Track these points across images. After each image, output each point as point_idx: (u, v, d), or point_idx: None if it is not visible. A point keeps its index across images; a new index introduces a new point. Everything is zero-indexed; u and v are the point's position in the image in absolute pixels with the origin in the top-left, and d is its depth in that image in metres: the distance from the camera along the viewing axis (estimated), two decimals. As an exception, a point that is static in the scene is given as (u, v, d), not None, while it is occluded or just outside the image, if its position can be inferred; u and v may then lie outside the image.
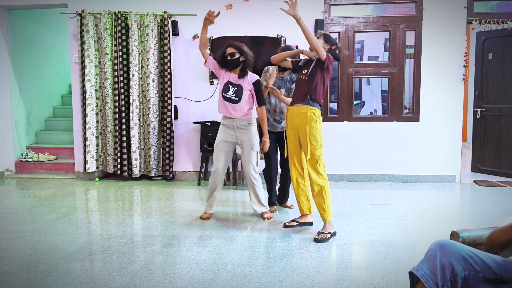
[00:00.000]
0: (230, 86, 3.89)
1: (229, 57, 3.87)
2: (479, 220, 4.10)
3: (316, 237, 3.53)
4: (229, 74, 3.94)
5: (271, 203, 4.39)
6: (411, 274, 1.61)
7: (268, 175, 4.36)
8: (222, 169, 3.99)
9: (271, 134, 4.22)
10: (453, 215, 4.45)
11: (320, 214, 3.62)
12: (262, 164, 5.36)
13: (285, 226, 3.86)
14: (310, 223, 3.88)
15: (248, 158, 3.98)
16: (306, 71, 3.64)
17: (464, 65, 5.44)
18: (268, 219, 4.06)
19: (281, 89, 4.16)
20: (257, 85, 3.93)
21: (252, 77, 3.94)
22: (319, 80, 3.59)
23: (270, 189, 4.39)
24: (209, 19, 3.74)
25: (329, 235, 3.54)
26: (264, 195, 4.12)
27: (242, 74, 3.91)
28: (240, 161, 4.68)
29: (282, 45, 5.04)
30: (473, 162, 6.19)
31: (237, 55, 3.86)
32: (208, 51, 3.94)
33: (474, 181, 5.61)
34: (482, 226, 3.74)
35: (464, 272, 1.55)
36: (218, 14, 3.75)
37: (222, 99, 3.92)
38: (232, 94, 3.88)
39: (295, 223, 3.87)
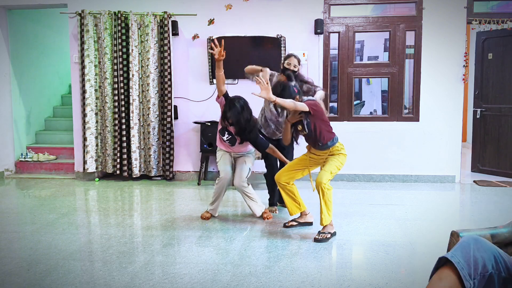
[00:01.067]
0: (226, 133, 3.94)
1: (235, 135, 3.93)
2: (479, 220, 4.10)
3: (316, 237, 3.53)
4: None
5: (271, 203, 4.40)
6: (442, 259, 1.61)
7: (269, 177, 4.34)
8: (230, 178, 4.03)
9: (271, 141, 4.20)
10: (453, 215, 4.45)
11: (320, 218, 3.60)
12: (260, 166, 5.37)
13: (285, 226, 3.87)
14: (310, 223, 3.88)
15: (240, 171, 4.02)
16: (300, 127, 3.61)
17: (464, 65, 5.44)
18: (267, 218, 4.07)
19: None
20: (253, 146, 4.03)
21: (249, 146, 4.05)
22: (317, 127, 3.53)
23: (271, 190, 4.39)
24: (219, 59, 3.74)
25: (329, 235, 3.54)
26: (257, 196, 4.13)
27: (242, 141, 3.96)
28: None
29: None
30: (473, 162, 6.19)
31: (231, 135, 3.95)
32: (225, 88, 3.90)
33: (474, 181, 5.61)
34: (482, 226, 3.74)
35: (491, 271, 1.56)
36: (222, 47, 3.74)
37: (219, 135, 3.99)
38: (226, 140, 3.96)
39: (294, 223, 3.87)
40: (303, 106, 3.43)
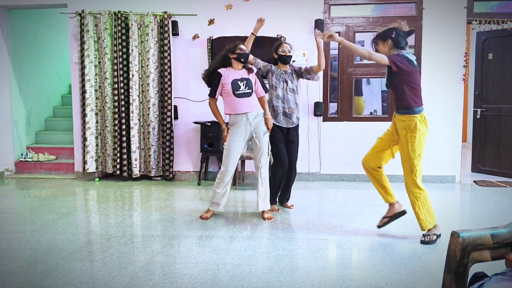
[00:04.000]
0: (239, 82, 3.94)
1: (246, 51, 4.00)
2: (479, 220, 4.10)
3: (422, 239, 3.46)
4: (230, 73, 3.98)
5: (276, 201, 4.36)
6: None
7: (280, 172, 4.23)
8: (232, 170, 4.01)
9: (280, 130, 4.20)
10: (453, 215, 4.44)
11: (419, 223, 3.50)
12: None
13: (379, 226, 3.70)
14: (403, 213, 3.64)
15: (261, 146, 4.00)
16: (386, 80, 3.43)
17: (464, 65, 5.44)
18: (268, 219, 4.05)
19: (284, 83, 4.19)
20: (258, 75, 4.10)
21: (253, 69, 4.09)
22: (401, 86, 3.34)
23: (278, 187, 4.31)
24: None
25: (434, 237, 3.46)
26: (267, 192, 4.11)
27: (249, 69, 4.03)
28: (240, 161, 4.68)
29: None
30: (473, 162, 6.19)
31: (246, 51, 4.00)
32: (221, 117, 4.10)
33: (474, 181, 5.61)
34: (482, 226, 3.73)
35: None
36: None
37: (235, 98, 3.92)
38: (245, 88, 3.94)
39: (386, 219, 3.68)
40: (382, 58, 3.22)
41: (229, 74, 3.96)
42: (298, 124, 4.31)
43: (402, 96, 3.37)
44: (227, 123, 4.06)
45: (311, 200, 4.66)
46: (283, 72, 4.24)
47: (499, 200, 4.79)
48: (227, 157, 3.97)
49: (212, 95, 4.01)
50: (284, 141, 4.26)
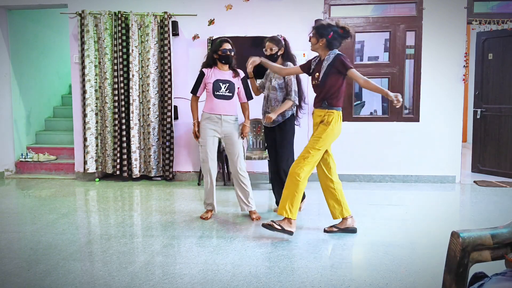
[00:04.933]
0: (221, 84, 3.93)
1: (228, 53, 3.93)
2: (479, 220, 4.10)
3: (267, 222, 3.46)
4: (215, 73, 3.98)
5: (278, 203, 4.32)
6: None
7: (276, 175, 4.19)
8: (214, 166, 4.02)
9: (266, 131, 4.18)
10: (453, 215, 4.44)
11: (279, 206, 3.47)
12: (261, 166, 5.36)
13: (325, 231, 3.69)
14: (354, 230, 3.65)
15: (237, 149, 3.98)
16: (318, 74, 3.50)
17: (464, 65, 5.44)
18: (256, 219, 4.03)
19: (268, 81, 4.13)
20: (245, 80, 4.05)
21: (241, 73, 4.05)
22: (334, 83, 3.42)
23: (279, 189, 4.18)
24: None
25: (279, 228, 3.42)
26: (251, 192, 4.07)
27: (235, 71, 4.01)
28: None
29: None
30: (473, 162, 6.19)
31: (231, 52, 3.95)
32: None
33: (474, 181, 5.61)
34: (482, 226, 3.73)
35: None
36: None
37: (214, 98, 3.93)
38: (226, 91, 3.93)
39: (335, 229, 3.67)
40: (295, 70, 3.64)
41: (213, 74, 3.97)
42: (285, 121, 4.07)
43: (332, 94, 3.45)
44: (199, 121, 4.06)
45: (311, 200, 4.66)
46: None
47: (499, 200, 4.79)
48: (205, 153, 3.98)
49: (193, 92, 4.06)
50: (271, 142, 4.17)
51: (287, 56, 4.11)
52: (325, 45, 3.49)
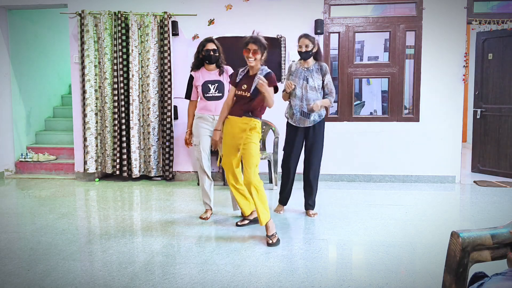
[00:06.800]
0: (210, 85, 3.96)
1: (211, 53, 3.96)
2: (479, 220, 4.10)
3: (269, 241, 3.43)
4: (203, 74, 3.99)
5: (280, 201, 4.30)
6: None
7: (286, 170, 4.16)
8: (208, 165, 4.02)
9: (294, 130, 4.06)
10: (453, 215, 4.44)
11: (259, 217, 3.47)
12: (260, 167, 5.32)
13: (237, 225, 3.88)
14: (256, 220, 3.78)
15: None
16: (246, 86, 3.54)
17: (464, 65, 5.44)
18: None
19: (304, 81, 3.99)
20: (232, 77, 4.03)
21: (228, 70, 4.06)
22: (262, 97, 3.48)
23: (283, 186, 4.23)
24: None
25: (276, 240, 3.45)
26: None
27: (221, 70, 4.03)
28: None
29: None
30: (473, 162, 6.19)
31: (215, 52, 3.98)
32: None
33: (474, 181, 5.61)
34: (482, 226, 3.74)
35: None
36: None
37: (204, 100, 3.95)
38: (215, 92, 3.95)
39: (246, 221, 3.89)
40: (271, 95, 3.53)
41: (201, 76, 3.99)
42: (320, 122, 4.03)
43: (261, 106, 3.56)
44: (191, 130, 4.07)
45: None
46: (305, 69, 4.02)
47: (499, 200, 4.79)
48: (199, 152, 3.98)
49: (187, 97, 4.09)
50: (303, 142, 4.11)
51: (319, 56, 4.07)
52: (263, 60, 3.62)
